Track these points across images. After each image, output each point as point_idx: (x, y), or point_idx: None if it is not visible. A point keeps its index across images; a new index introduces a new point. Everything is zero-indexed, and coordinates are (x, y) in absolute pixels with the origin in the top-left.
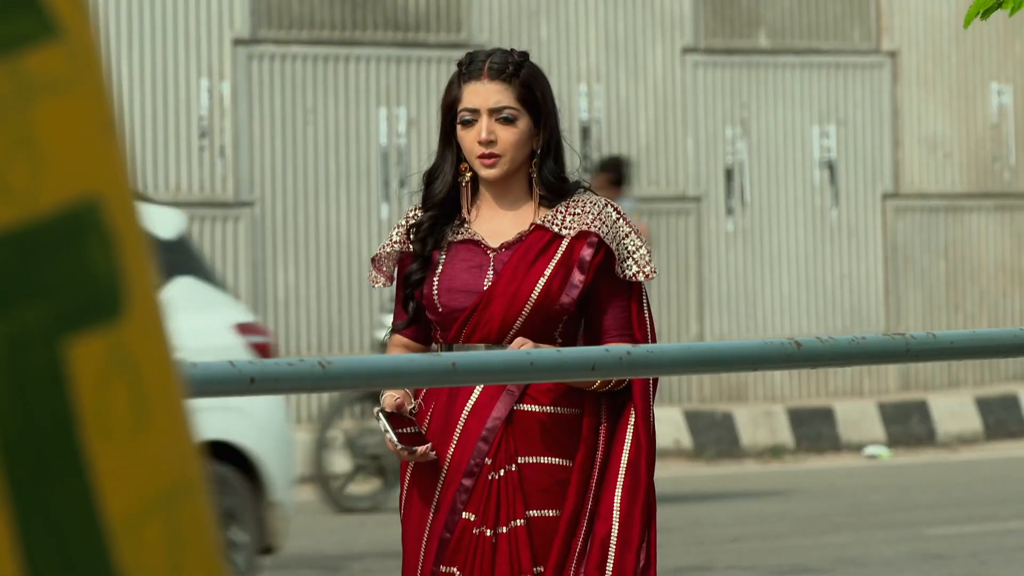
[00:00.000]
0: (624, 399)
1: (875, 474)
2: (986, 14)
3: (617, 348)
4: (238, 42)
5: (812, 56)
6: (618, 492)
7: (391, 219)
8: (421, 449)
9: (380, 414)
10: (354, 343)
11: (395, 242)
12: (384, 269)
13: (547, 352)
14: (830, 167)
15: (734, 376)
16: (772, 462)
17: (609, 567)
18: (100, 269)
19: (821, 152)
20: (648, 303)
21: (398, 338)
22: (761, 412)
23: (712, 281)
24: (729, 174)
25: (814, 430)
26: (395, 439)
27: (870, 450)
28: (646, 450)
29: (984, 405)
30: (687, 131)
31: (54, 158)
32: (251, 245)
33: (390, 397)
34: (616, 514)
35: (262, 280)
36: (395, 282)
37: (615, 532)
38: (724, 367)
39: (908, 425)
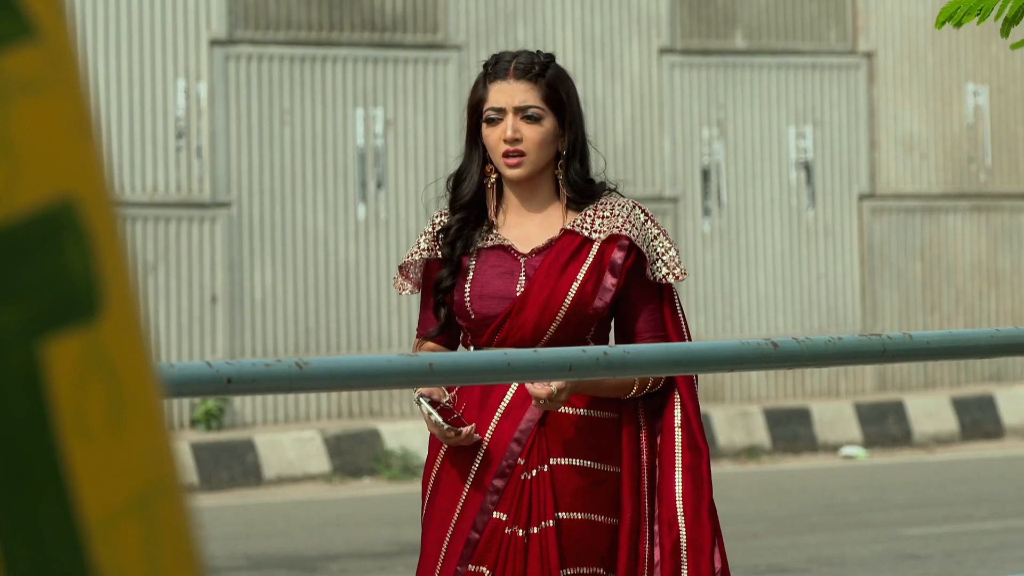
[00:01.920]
0: (661, 400)
1: (851, 474)
2: (959, 23)
3: (594, 349)
4: (215, 43)
5: (788, 57)
6: (679, 496)
7: (368, 219)
8: (466, 430)
9: (421, 399)
10: (331, 344)
11: (423, 249)
12: (411, 276)
13: (524, 353)
14: (806, 168)
15: (710, 376)
16: (748, 462)
17: (684, 574)
18: (76, 269)
19: (797, 153)
20: (680, 304)
21: (429, 345)
22: (737, 412)
23: (689, 281)
24: (706, 174)
25: (790, 430)
26: (440, 420)
27: (846, 450)
28: (706, 451)
29: (960, 405)
30: (664, 131)
31: (30, 158)
32: (228, 246)
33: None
34: (681, 519)
35: (239, 281)
36: (422, 289)
37: (684, 537)
38: (700, 367)
39: (884, 425)
